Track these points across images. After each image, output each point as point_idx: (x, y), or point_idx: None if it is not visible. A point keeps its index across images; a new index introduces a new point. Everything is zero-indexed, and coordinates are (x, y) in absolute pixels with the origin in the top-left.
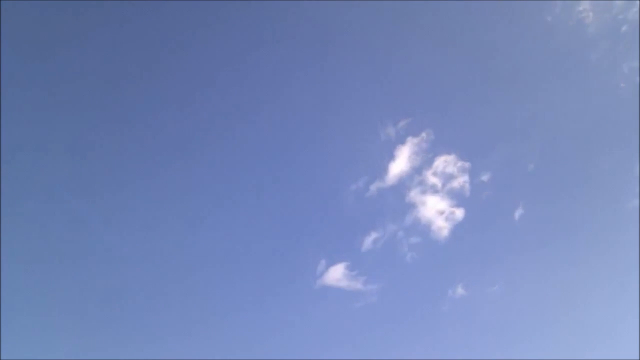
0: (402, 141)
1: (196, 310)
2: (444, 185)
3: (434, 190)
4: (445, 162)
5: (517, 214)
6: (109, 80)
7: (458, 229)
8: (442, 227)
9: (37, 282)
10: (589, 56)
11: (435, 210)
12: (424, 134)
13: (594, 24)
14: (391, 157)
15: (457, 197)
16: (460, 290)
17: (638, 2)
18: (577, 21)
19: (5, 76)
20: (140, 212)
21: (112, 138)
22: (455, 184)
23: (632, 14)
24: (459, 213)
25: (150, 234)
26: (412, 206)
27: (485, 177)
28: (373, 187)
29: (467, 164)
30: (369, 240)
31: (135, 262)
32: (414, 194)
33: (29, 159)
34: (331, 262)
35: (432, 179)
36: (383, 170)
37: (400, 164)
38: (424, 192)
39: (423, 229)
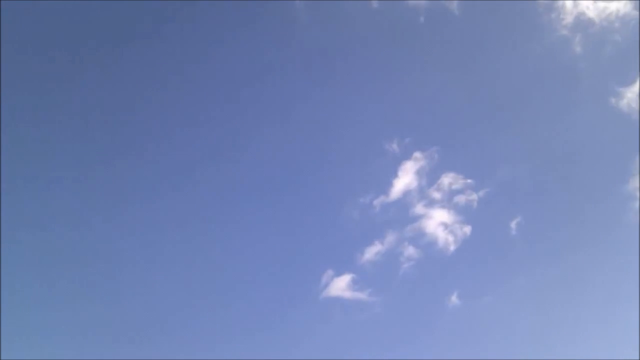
0: (407, 158)
1: (199, 317)
2: (447, 200)
3: (438, 205)
4: (448, 179)
5: (517, 227)
6: (111, 80)
7: (461, 243)
8: (446, 240)
9: (37, 282)
10: (582, 78)
11: (438, 225)
12: (428, 152)
13: (585, 51)
14: (396, 172)
15: (460, 213)
16: (464, 302)
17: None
18: (570, 50)
19: (6, 76)
20: (143, 222)
21: (115, 139)
22: (458, 200)
23: (620, 39)
24: (462, 228)
25: (153, 243)
26: (415, 220)
27: (487, 193)
28: (378, 202)
29: (469, 181)
30: (372, 253)
31: (136, 268)
32: (417, 209)
33: (29, 159)
34: (336, 274)
35: (436, 195)
36: (388, 185)
37: (405, 179)
38: (427, 207)
39: (426, 243)
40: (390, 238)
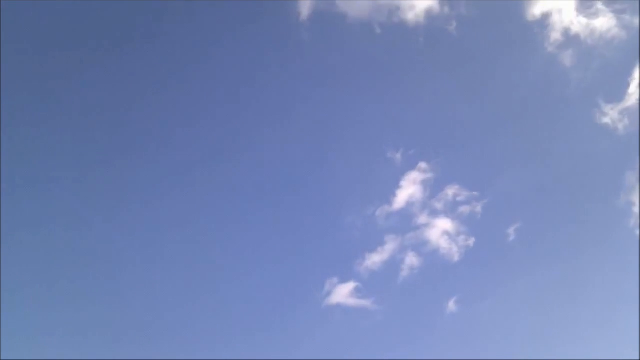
0: (412, 168)
1: (201, 322)
2: (450, 211)
3: (441, 215)
4: (451, 190)
5: (517, 237)
6: (111, 80)
7: (464, 252)
8: (449, 249)
9: (37, 282)
10: (575, 94)
11: (441, 234)
12: (432, 163)
13: (574, 67)
14: (401, 182)
15: (462, 222)
16: (466, 310)
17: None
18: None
19: (6, 76)
20: (143, 222)
21: (115, 139)
22: (461, 210)
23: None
24: (464, 237)
25: (154, 244)
26: (419, 229)
27: (489, 204)
28: (382, 210)
29: (471, 192)
30: (376, 261)
31: (136, 268)
32: (421, 218)
33: (29, 159)
34: (339, 282)
35: (439, 205)
36: (392, 194)
37: (409, 189)
38: (431, 217)
39: (430, 251)
40: (394, 246)
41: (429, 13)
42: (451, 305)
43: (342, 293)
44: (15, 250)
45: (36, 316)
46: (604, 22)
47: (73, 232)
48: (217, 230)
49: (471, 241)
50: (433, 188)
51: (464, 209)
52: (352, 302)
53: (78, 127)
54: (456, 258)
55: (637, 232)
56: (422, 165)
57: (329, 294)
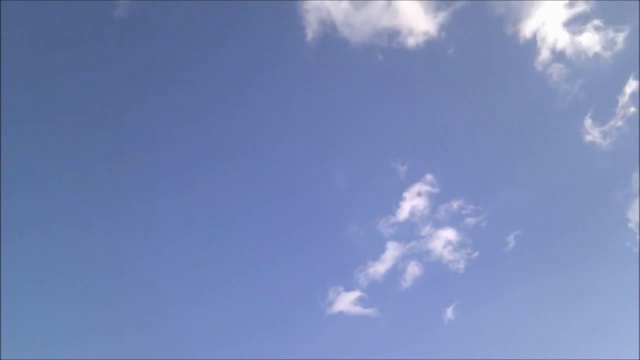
0: (417, 180)
1: (202, 327)
2: (453, 222)
3: (444, 226)
4: (454, 202)
5: (517, 248)
6: (111, 80)
7: (467, 263)
8: (451, 260)
9: (37, 282)
10: (565, 111)
11: (444, 245)
12: (435, 176)
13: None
14: (406, 193)
15: (465, 234)
16: (467, 320)
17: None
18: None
19: (6, 76)
20: (143, 222)
21: (115, 139)
22: (463, 221)
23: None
24: (467, 248)
25: (154, 245)
26: (422, 239)
27: (490, 217)
28: (387, 220)
29: (472, 205)
30: (379, 270)
31: (136, 268)
32: (425, 229)
33: (29, 159)
34: (343, 290)
35: (442, 216)
36: (396, 206)
37: (414, 201)
38: (434, 228)
39: (433, 261)
40: (397, 255)
41: (428, 36)
42: (450, 313)
43: (345, 301)
44: (15, 250)
45: (36, 316)
46: (589, 37)
47: (73, 232)
48: (221, 237)
49: (472, 252)
50: (438, 200)
51: (467, 221)
52: (355, 310)
53: (78, 127)
54: (456, 268)
55: (637, 249)
56: (428, 177)
57: (332, 302)
